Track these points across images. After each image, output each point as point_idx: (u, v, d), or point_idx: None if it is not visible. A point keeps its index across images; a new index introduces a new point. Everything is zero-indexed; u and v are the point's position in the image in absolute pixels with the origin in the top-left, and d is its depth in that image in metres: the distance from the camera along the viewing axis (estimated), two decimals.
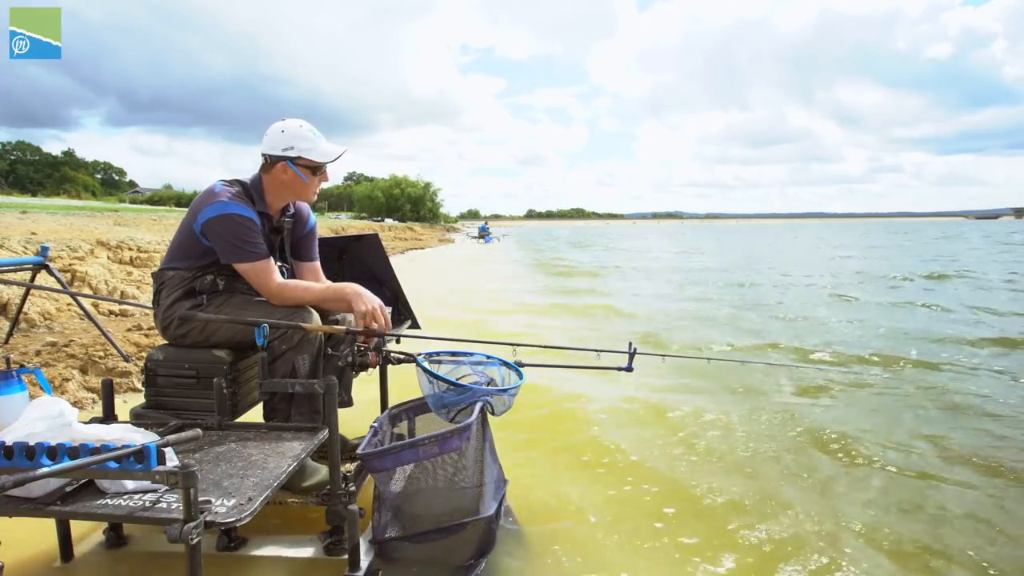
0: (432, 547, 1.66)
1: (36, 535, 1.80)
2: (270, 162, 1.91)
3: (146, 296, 6.04)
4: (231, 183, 1.90)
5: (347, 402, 2.07)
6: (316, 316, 1.87)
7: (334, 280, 2.11)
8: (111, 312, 5.47)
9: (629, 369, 2.22)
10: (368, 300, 1.87)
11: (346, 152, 1.95)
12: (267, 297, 1.86)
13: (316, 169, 1.94)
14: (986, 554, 1.90)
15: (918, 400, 3.52)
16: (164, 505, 1.21)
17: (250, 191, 1.91)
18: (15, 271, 3.94)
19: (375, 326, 1.86)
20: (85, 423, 1.39)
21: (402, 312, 2.66)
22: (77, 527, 1.79)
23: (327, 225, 21.34)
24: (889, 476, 2.48)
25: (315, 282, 2.05)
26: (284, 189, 1.95)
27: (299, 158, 1.89)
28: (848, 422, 3.10)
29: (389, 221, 44.64)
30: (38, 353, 3.76)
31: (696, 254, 20.78)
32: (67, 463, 1.11)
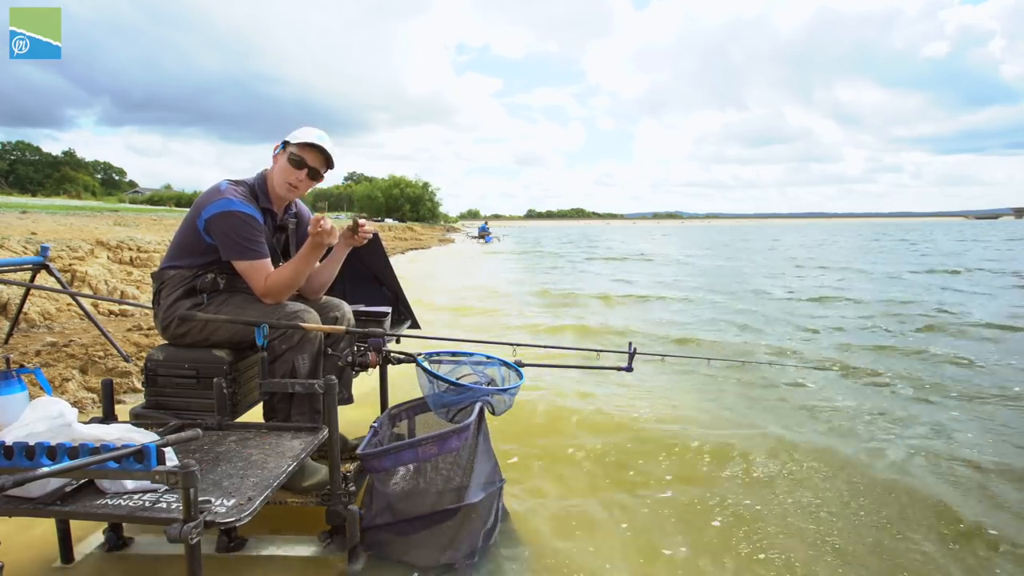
0: (421, 535, 1.67)
1: (36, 535, 1.80)
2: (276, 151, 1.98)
3: (146, 296, 6.04)
4: (237, 183, 1.92)
5: (347, 399, 2.07)
6: (316, 316, 1.87)
7: (335, 280, 2.12)
8: (111, 312, 5.47)
9: (629, 369, 2.23)
10: (321, 222, 1.86)
11: (323, 144, 1.93)
12: (260, 296, 1.85)
13: (298, 163, 1.92)
14: None
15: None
16: (164, 505, 1.21)
17: (255, 190, 1.94)
18: (15, 271, 3.94)
19: (364, 227, 2.00)
20: (85, 423, 1.39)
21: (402, 312, 2.66)
22: (77, 527, 1.79)
23: None
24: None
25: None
26: (274, 175, 1.96)
27: (287, 143, 1.94)
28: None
29: (389, 221, 44.66)
30: (38, 353, 3.76)
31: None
32: (67, 463, 1.11)
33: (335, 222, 1.90)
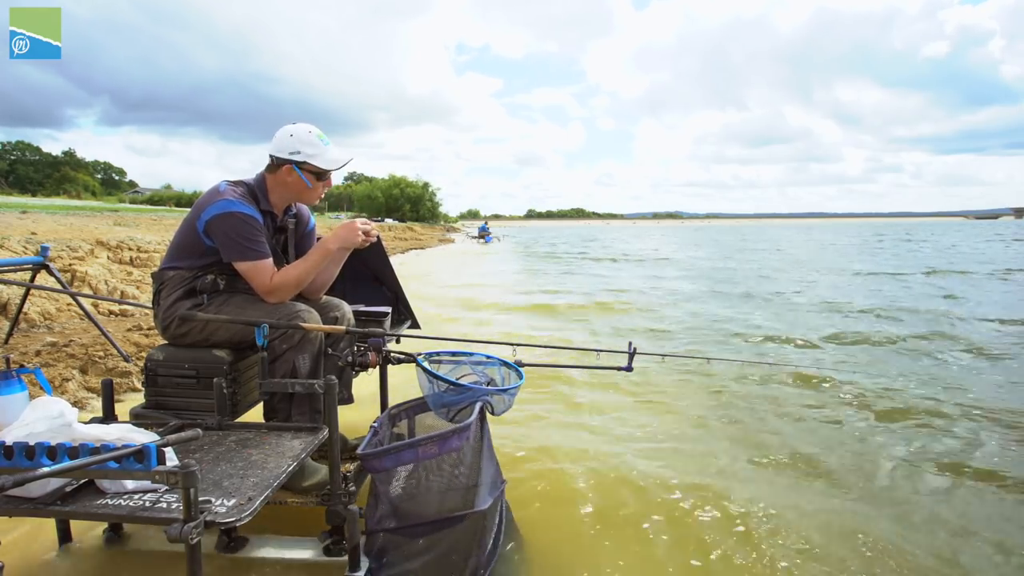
0: (427, 540, 1.66)
1: (36, 535, 1.80)
2: (276, 163, 1.93)
3: (146, 296, 6.04)
4: (236, 184, 1.91)
5: (347, 399, 2.07)
6: (316, 316, 1.87)
7: (335, 280, 2.12)
8: (111, 312, 5.47)
9: (629, 369, 2.23)
10: (350, 224, 1.97)
11: (352, 160, 1.98)
12: (265, 296, 1.86)
13: (321, 175, 1.96)
14: None
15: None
16: (164, 505, 1.21)
17: (255, 191, 1.93)
18: (15, 271, 3.94)
19: (371, 232, 2.01)
20: (85, 423, 1.39)
21: (402, 312, 2.66)
22: (77, 527, 1.79)
23: (327, 225, 21.35)
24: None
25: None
26: (288, 191, 1.96)
27: (304, 163, 1.91)
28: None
29: (389, 221, 44.65)
30: (38, 353, 3.76)
31: None
32: (67, 463, 1.11)
33: (334, 222, 1.92)
